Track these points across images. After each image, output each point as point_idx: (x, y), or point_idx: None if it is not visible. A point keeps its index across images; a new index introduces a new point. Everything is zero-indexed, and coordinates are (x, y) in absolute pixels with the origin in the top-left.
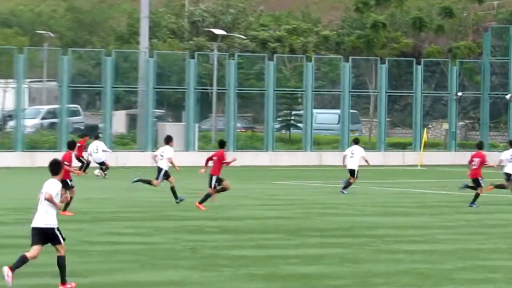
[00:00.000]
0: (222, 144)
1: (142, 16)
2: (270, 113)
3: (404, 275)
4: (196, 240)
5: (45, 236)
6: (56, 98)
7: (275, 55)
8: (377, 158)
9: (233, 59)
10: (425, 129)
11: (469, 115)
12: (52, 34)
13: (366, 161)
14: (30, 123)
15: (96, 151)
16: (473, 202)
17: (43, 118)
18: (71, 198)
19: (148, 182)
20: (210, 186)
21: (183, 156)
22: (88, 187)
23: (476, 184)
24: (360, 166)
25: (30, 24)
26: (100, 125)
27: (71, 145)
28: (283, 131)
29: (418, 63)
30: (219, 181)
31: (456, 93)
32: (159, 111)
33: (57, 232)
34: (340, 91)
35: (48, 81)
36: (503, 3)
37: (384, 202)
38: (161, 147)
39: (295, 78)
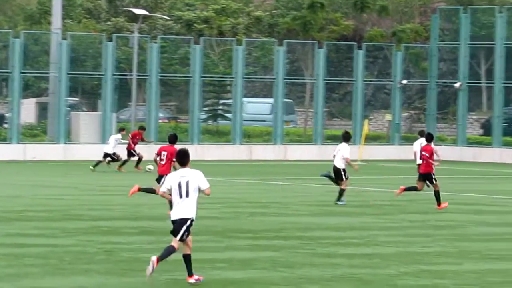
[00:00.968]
0: (174, 139)
1: None
2: (196, 102)
3: (342, 281)
4: (111, 242)
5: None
6: None
7: (201, 38)
8: (313, 152)
9: (155, 42)
10: (366, 120)
11: (414, 105)
12: None
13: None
14: None
15: None
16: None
17: None
18: None
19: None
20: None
21: (99, 149)
22: None
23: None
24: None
25: None
26: (6, 115)
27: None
28: (210, 122)
29: (359, 47)
30: None
31: (401, 81)
32: (73, 100)
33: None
34: (274, 78)
35: None
36: None
37: (320, 201)
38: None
39: (224, 63)
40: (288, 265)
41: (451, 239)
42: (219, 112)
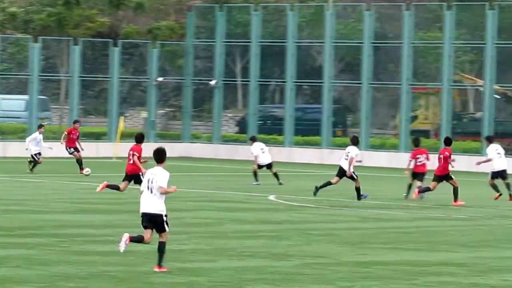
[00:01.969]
0: (140, 138)
1: None
2: None
3: (97, 279)
4: None
5: (153, 222)
6: None
7: None
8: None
9: None
10: (122, 117)
11: (170, 103)
12: None
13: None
14: None
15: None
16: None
17: None
18: None
19: None
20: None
21: None
22: None
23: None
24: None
25: None
26: None
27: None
28: None
29: (115, 44)
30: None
31: (156, 78)
32: None
33: (165, 219)
34: (29, 75)
35: None
36: None
37: (75, 198)
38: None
39: None
40: (43, 263)
41: (206, 237)
42: None
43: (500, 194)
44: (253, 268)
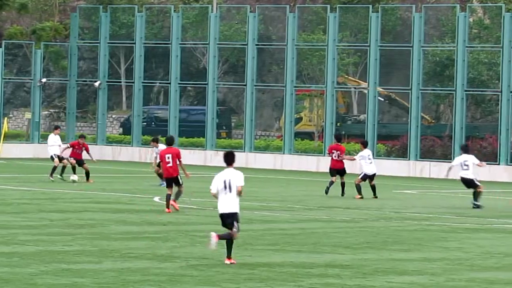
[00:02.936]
0: (171, 141)
1: None
2: None
3: None
4: None
5: (230, 219)
6: None
7: None
8: None
9: None
10: (6, 118)
11: (54, 104)
12: None
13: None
14: None
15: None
16: None
17: None
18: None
19: None
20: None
21: None
22: None
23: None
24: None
25: None
26: None
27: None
28: None
29: None
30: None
31: (40, 79)
32: None
33: (238, 217)
34: None
35: None
36: None
37: None
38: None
39: None
40: None
41: (91, 238)
42: None
43: (362, 197)
44: (138, 270)
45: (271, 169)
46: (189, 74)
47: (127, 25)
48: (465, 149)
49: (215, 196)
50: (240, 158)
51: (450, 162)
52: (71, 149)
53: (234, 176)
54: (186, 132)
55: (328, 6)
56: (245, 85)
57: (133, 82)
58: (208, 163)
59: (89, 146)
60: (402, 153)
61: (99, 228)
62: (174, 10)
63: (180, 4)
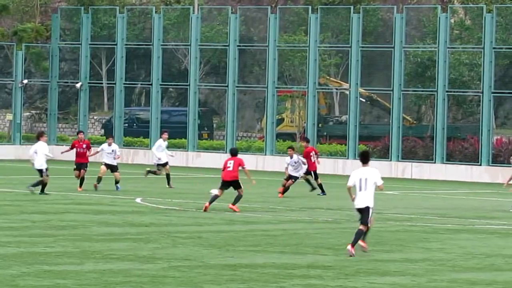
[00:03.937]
0: (236, 151)
1: None
2: None
3: None
4: None
5: (364, 212)
6: None
7: None
8: None
9: None
10: None
11: (36, 105)
12: None
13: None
14: None
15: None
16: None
17: None
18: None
19: None
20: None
21: None
22: None
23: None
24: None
25: None
26: None
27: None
28: None
29: None
30: None
31: (22, 80)
32: None
33: (370, 211)
34: None
35: None
36: None
37: None
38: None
39: None
40: None
41: (73, 239)
42: None
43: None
44: (120, 271)
45: (253, 170)
46: (171, 75)
47: (109, 26)
48: None
49: (349, 190)
50: (222, 159)
51: (432, 163)
52: (74, 150)
53: (371, 175)
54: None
55: (310, 7)
56: (227, 86)
57: (115, 83)
58: (190, 164)
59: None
60: (383, 154)
61: (81, 229)
62: (156, 12)
63: (162, 5)
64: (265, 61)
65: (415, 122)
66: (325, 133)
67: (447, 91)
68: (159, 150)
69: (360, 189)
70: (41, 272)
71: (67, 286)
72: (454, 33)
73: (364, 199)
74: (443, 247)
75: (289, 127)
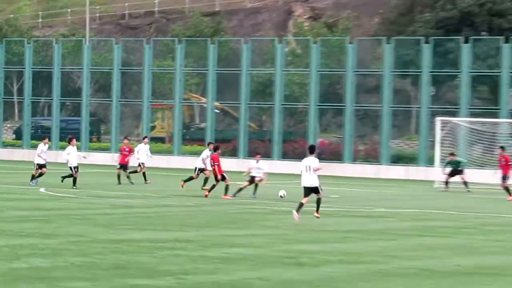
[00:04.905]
0: (217, 148)
1: None
2: None
3: None
4: None
5: (312, 191)
6: None
7: None
8: None
9: None
10: None
11: None
12: None
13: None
14: None
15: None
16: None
17: None
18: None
19: None
20: None
21: None
22: None
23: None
24: None
25: None
26: None
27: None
28: None
29: None
30: None
31: None
32: None
33: (319, 188)
34: None
35: None
36: None
37: None
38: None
39: None
40: None
41: None
42: None
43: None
44: (28, 245)
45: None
46: (68, 92)
47: (19, 54)
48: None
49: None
50: (108, 158)
51: (271, 159)
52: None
53: (311, 162)
54: (65, 138)
55: (176, 39)
56: (111, 100)
57: (23, 99)
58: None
59: None
60: (233, 153)
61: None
62: (56, 42)
63: (60, 37)
64: (141, 81)
65: (257, 128)
66: (187, 137)
67: (282, 104)
68: (141, 153)
69: (306, 172)
70: None
71: None
72: (288, 59)
73: (309, 179)
74: (278, 225)
75: (160, 132)
